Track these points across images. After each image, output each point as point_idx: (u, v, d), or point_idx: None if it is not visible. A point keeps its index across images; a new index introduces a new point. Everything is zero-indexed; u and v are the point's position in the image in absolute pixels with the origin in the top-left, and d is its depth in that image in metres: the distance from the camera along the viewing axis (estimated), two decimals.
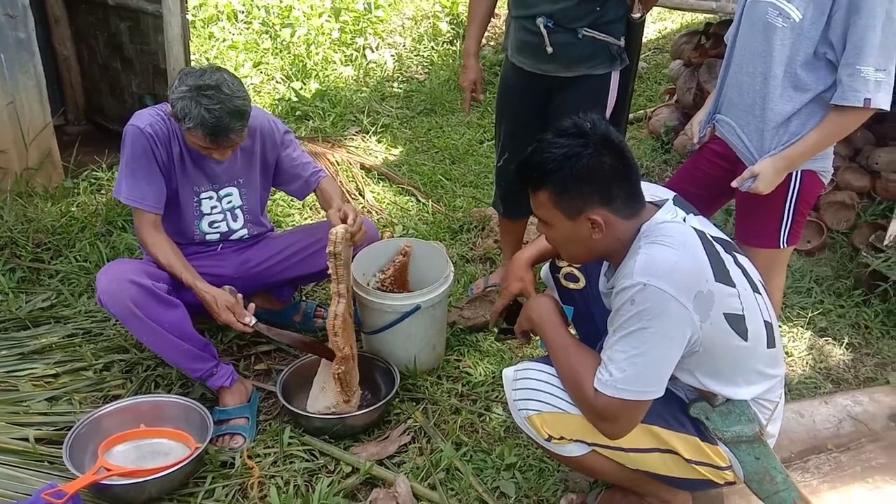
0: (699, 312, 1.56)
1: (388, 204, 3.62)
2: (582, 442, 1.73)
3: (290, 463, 2.08)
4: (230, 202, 2.37)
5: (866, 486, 2.06)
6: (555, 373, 1.74)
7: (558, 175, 1.59)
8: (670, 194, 1.77)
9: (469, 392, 2.42)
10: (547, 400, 1.72)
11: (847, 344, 2.71)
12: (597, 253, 1.70)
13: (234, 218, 2.41)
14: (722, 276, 1.62)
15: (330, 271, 2.14)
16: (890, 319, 2.82)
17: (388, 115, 4.60)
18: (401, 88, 5.06)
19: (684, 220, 1.68)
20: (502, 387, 2.42)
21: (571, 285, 2.06)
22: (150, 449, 2.05)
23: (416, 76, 5.28)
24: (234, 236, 2.42)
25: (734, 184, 2.16)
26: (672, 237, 1.61)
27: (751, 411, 1.72)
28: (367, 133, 4.35)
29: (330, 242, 2.10)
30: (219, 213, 2.36)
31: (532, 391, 1.74)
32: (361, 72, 5.20)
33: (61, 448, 1.96)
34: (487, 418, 2.30)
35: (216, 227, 2.38)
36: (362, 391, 2.31)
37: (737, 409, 1.71)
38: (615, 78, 2.46)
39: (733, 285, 1.64)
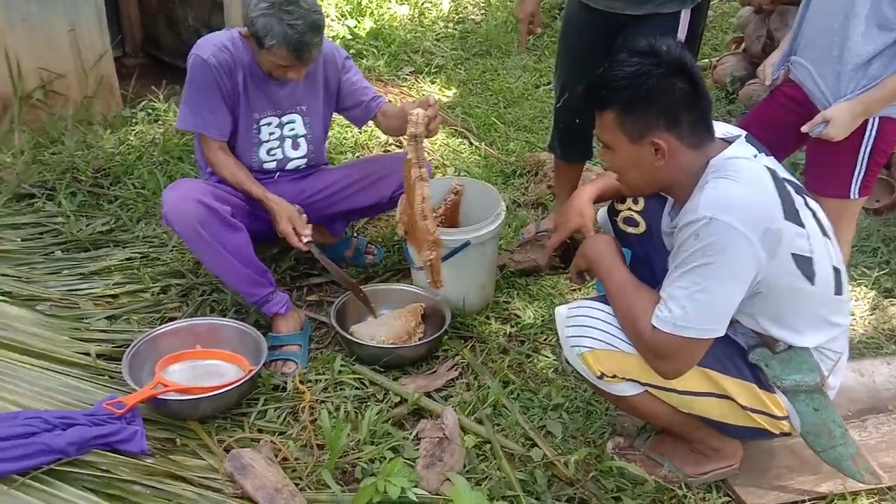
0: (766, 250, 1.52)
1: (440, 146, 3.58)
2: (635, 381, 1.71)
3: (340, 390, 2.11)
4: (293, 129, 2.37)
5: None
6: (610, 311, 1.72)
7: (626, 93, 1.56)
8: (742, 132, 1.71)
9: (517, 333, 2.41)
10: (601, 337, 1.70)
11: None
12: (659, 183, 1.65)
13: (296, 146, 2.40)
14: (791, 215, 1.57)
15: (410, 155, 2.12)
16: None
17: (442, 56, 4.52)
18: (456, 29, 4.96)
19: (754, 157, 1.62)
20: (551, 330, 2.43)
21: (630, 229, 2.01)
22: (206, 369, 2.10)
23: (472, 17, 5.17)
24: (290, 165, 2.42)
25: (804, 128, 2.07)
26: (741, 172, 1.56)
27: (812, 360, 1.67)
28: (421, 74, 4.29)
29: (411, 124, 2.07)
30: (276, 139, 2.36)
31: (586, 328, 1.72)
32: (416, 11, 5.10)
33: (120, 364, 2.02)
34: (535, 359, 2.29)
35: (273, 155, 2.38)
36: (416, 322, 2.33)
37: (798, 357, 1.67)
38: (685, 17, 2.35)
39: (803, 226, 1.59)
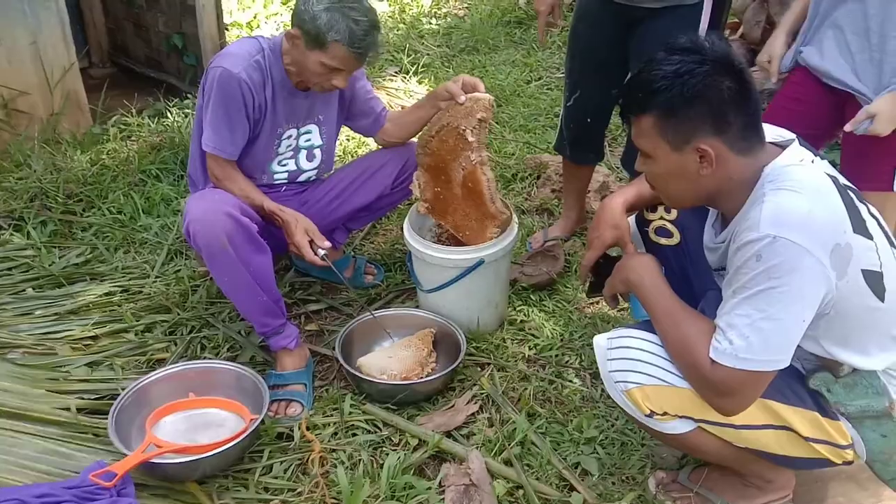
0: (836, 269, 1.36)
1: None
2: (688, 418, 1.54)
3: (353, 435, 1.91)
4: (308, 140, 2.21)
5: None
6: (656, 340, 1.54)
7: (666, 94, 1.38)
8: (794, 135, 1.53)
9: (537, 356, 2.23)
10: (649, 371, 1.52)
11: None
12: (704, 194, 1.48)
13: (311, 158, 2.24)
14: (860, 226, 1.41)
15: (472, 139, 2.09)
16: None
17: (427, 54, 4.32)
18: (439, 25, 4.75)
19: (812, 163, 1.45)
20: (572, 350, 2.25)
21: (663, 241, 1.85)
22: (202, 420, 1.89)
23: (455, 12, 4.96)
24: (302, 177, 2.27)
25: (848, 127, 1.91)
26: (802, 182, 1.39)
27: (880, 383, 1.51)
28: (408, 73, 4.08)
29: (481, 108, 2.07)
30: (291, 150, 2.20)
31: (631, 361, 1.54)
32: (396, 7, 4.89)
33: (105, 419, 1.81)
34: (559, 386, 2.11)
35: (285, 166, 2.21)
36: (428, 350, 2.16)
37: (864, 381, 1.51)
38: (708, 8, 2.17)
39: (871, 237, 1.43)
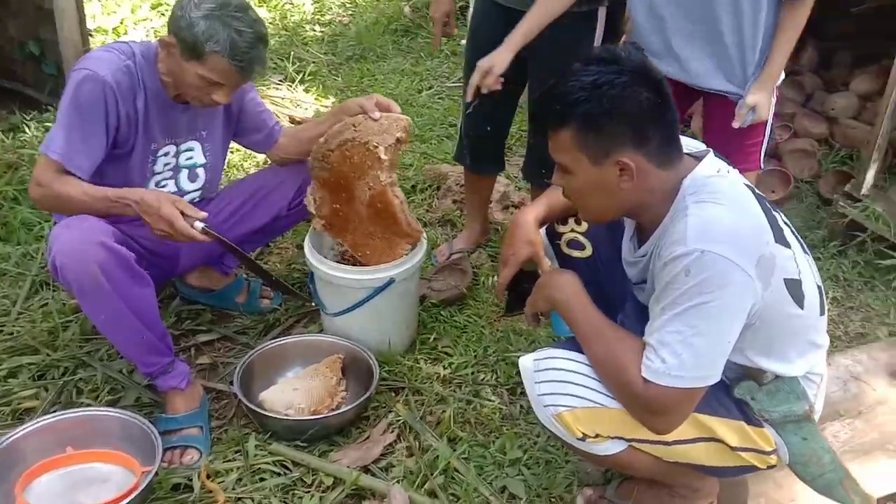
0: (762, 280, 1.35)
1: None
2: (620, 438, 1.49)
3: (260, 480, 1.74)
4: (190, 159, 1.99)
5: (888, 453, 1.94)
6: (584, 360, 1.49)
7: (585, 106, 1.33)
8: (705, 146, 1.53)
9: (452, 376, 2.13)
10: (579, 393, 1.46)
11: (831, 299, 2.60)
12: (624, 207, 1.45)
13: (193, 178, 2.03)
14: (779, 236, 1.42)
15: (385, 157, 1.98)
16: (868, 271, 2.74)
17: (313, 62, 4.15)
18: (323, 32, 4.58)
19: (728, 174, 1.45)
20: (487, 367, 2.17)
21: (575, 253, 1.80)
22: (82, 476, 1.67)
23: (339, 18, 4.81)
24: (186, 198, 2.02)
25: (736, 124, 2.06)
26: (724, 193, 1.38)
27: (800, 388, 1.53)
28: (293, 82, 3.89)
29: (399, 128, 1.98)
30: (169, 170, 1.97)
31: (560, 384, 1.48)
32: (277, 13, 4.68)
33: None
34: (478, 405, 2.03)
35: (163, 187, 1.98)
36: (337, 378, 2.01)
37: (785, 387, 1.52)
38: (602, 16, 2.17)
39: (789, 246, 1.44)
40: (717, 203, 1.36)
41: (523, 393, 2.08)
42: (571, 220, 1.81)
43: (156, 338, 1.78)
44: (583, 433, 1.47)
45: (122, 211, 1.74)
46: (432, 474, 1.78)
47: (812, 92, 3.62)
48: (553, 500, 1.78)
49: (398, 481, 1.76)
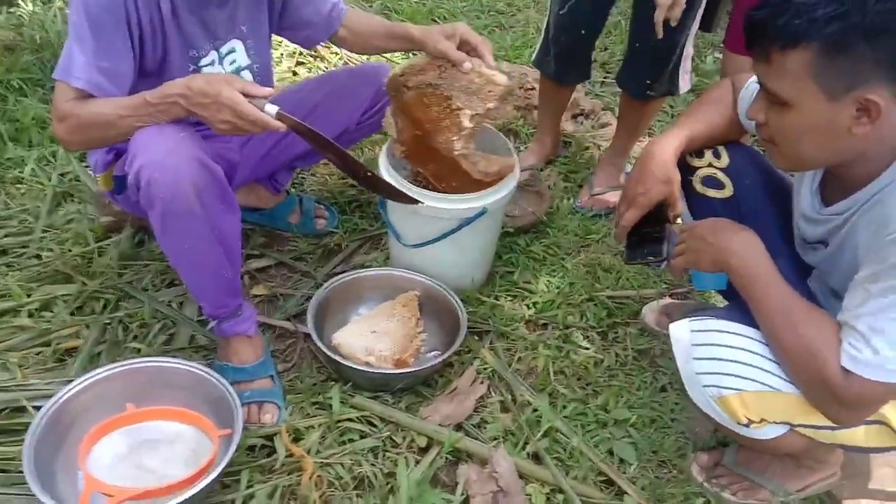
0: None
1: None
2: (786, 423, 1.30)
3: (349, 441, 1.54)
4: (234, 62, 1.64)
5: None
6: (755, 335, 1.28)
7: (839, 23, 1.04)
8: None
9: (538, 317, 1.92)
10: (747, 374, 1.26)
11: None
12: (841, 156, 1.19)
13: None
14: None
15: (468, 125, 1.64)
16: None
17: None
18: None
19: None
20: (573, 306, 1.96)
21: (711, 192, 1.56)
22: (149, 437, 1.45)
23: None
24: None
25: None
26: None
27: None
28: None
29: (496, 96, 1.62)
30: None
31: (725, 362, 1.27)
32: None
33: (10, 447, 1.33)
34: (570, 353, 1.83)
35: None
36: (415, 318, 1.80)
37: None
38: None
39: None
40: None
41: (616, 339, 1.90)
42: (708, 153, 1.55)
43: (234, 275, 1.53)
44: (748, 419, 1.27)
45: (169, 114, 1.38)
46: (535, 435, 1.60)
47: None
48: (663, 463, 1.62)
49: (498, 443, 1.58)
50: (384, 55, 2.57)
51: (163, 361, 1.52)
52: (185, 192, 1.35)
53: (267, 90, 1.38)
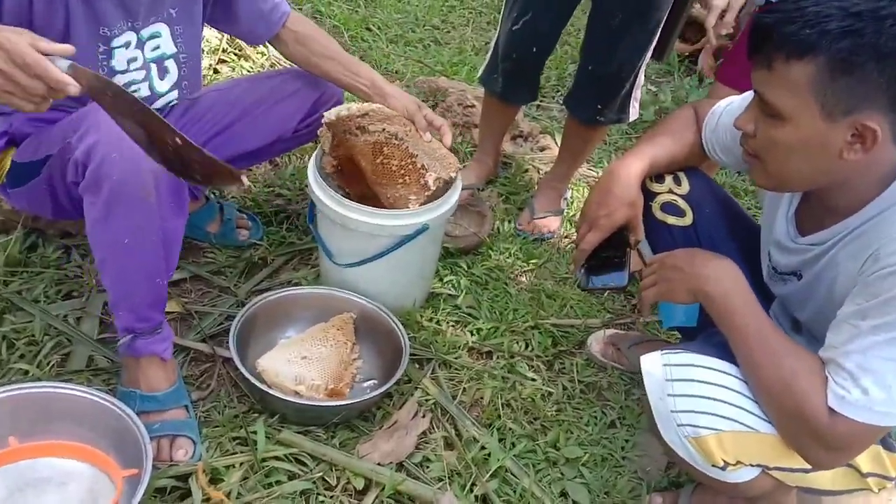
0: None
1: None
2: (761, 466, 1.22)
3: (277, 483, 1.35)
4: (157, 48, 1.44)
5: None
6: (731, 370, 1.20)
7: (850, 40, 0.98)
8: None
9: (481, 344, 1.79)
10: (726, 413, 1.17)
11: None
12: (826, 180, 1.13)
13: (163, 73, 1.48)
14: None
15: (429, 193, 1.60)
16: None
17: None
18: None
19: None
20: (517, 333, 1.85)
21: (671, 220, 1.49)
22: (35, 477, 1.21)
23: None
24: (158, 103, 1.50)
25: None
26: None
27: None
28: None
29: (455, 170, 1.62)
30: (139, 68, 1.43)
31: (703, 400, 1.18)
32: None
33: None
34: (516, 384, 1.71)
35: (135, 92, 1.43)
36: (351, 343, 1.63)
37: None
38: None
39: None
40: None
41: (563, 369, 1.80)
42: (668, 179, 1.49)
43: (165, 287, 1.33)
44: (724, 461, 1.18)
45: None
46: (483, 476, 1.46)
47: None
48: None
49: (444, 484, 1.43)
50: None
51: (54, 387, 1.28)
52: (144, 177, 1.19)
53: (66, 47, 1.05)
